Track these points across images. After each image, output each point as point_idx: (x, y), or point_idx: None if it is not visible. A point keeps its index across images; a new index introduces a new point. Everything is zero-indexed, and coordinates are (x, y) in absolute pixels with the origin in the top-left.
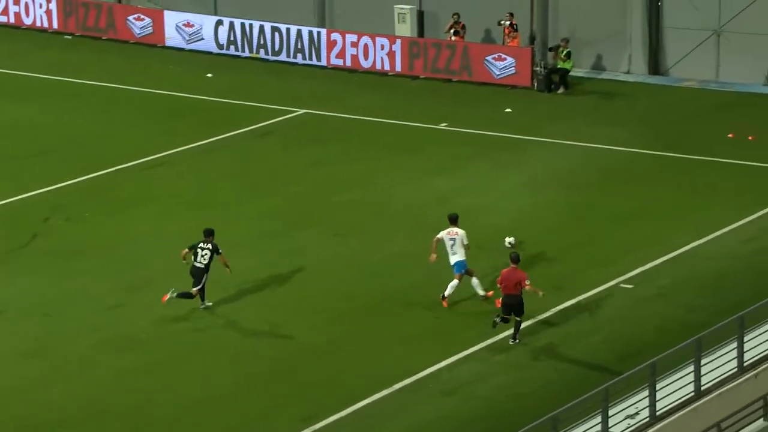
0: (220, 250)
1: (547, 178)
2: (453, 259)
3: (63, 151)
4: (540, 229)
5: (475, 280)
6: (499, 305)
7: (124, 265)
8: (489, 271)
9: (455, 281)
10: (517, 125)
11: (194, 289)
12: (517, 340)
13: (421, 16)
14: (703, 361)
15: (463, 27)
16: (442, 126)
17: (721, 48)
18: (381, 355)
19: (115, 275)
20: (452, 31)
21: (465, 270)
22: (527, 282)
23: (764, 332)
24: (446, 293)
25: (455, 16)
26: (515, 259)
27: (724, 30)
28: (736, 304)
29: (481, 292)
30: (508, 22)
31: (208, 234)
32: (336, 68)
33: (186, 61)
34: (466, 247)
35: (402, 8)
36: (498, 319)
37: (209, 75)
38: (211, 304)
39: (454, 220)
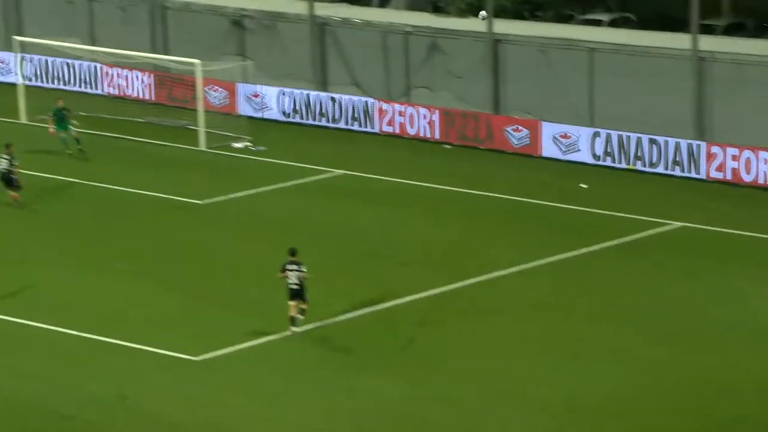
0: None
1: None
2: None
3: (427, 259)
4: None
5: None
6: None
7: (488, 372)
8: None
9: None
10: None
11: None
12: None
13: None
14: None
15: None
16: None
17: None
18: None
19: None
20: None
21: None
22: None
23: None
24: None
25: None
26: None
27: None
28: None
29: None
30: None
31: None
32: (716, 181)
33: (560, 171)
34: None
35: None
36: None
37: (583, 185)
38: None
39: None
